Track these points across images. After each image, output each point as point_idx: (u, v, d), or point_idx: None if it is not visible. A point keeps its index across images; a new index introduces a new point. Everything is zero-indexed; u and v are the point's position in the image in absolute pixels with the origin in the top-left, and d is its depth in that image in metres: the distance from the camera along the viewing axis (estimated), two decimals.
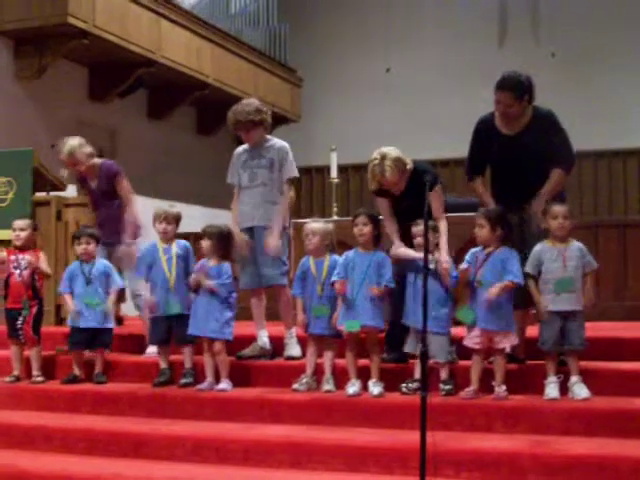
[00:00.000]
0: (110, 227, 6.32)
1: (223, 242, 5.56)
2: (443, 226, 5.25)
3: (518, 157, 5.16)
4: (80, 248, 5.98)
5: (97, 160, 6.47)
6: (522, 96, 5.13)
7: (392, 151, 5.24)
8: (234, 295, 5.58)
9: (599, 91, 13.33)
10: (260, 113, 5.79)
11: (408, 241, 5.25)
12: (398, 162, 5.19)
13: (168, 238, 5.83)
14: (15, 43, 9.50)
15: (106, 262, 6.12)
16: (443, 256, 5.11)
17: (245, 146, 5.94)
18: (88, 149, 6.39)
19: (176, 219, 5.86)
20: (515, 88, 5.11)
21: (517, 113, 5.19)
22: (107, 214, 6.43)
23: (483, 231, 5.00)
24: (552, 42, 13.79)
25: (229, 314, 5.51)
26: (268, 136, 5.93)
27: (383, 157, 5.18)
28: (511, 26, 14.25)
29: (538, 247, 4.95)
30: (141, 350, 6.22)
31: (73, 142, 6.34)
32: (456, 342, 5.16)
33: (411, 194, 5.21)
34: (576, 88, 13.21)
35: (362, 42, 14.63)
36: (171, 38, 10.78)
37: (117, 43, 9.74)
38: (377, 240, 5.29)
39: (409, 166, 5.26)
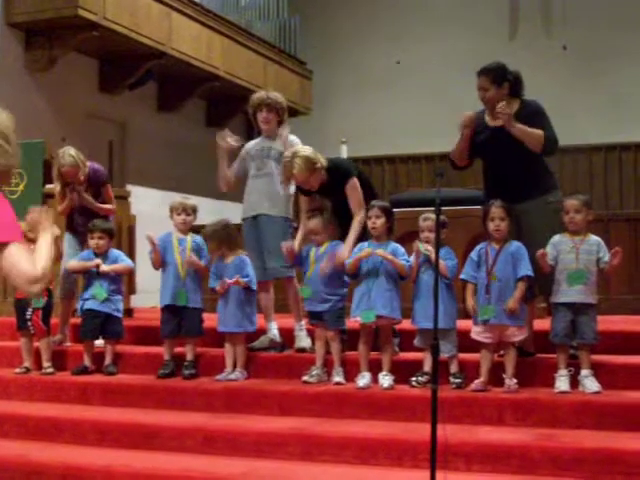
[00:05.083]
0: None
1: (222, 237, 5.59)
2: (357, 220, 5.37)
3: (504, 150, 5.14)
4: (92, 242, 6.01)
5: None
6: (499, 82, 5.17)
7: (304, 150, 5.42)
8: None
9: (610, 84, 13.22)
10: (285, 105, 6.00)
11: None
12: (307, 161, 5.34)
13: (187, 229, 5.86)
14: (26, 35, 9.49)
15: (118, 252, 6.16)
16: (344, 249, 5.24)
17: (256, 140, 6.04)
18: (82, 156, 6.26)
19: (194, 210, 5.90)
20: (490, 72, 5.20)
21: (494, 100, 5.17)
22: (85, 221, 6.27)
23: (504, 224, 4.99)
24: (563, 35, 13.71)
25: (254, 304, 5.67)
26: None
27: (294, 155, 5.36)
28: (522, 19, 14.16)
29: (556, 238, 4.95)
30: (152, 342, 6.23)
31: (72, 151, 6.17)
32: (460, 335, 5.13)
33: (333, 191, 5.44)
34: (587, 81, 13.13)
35: (373, 35, 14.57)
36: (181, 30, 10.75)
37: (127, 35, 9.72)
38: (390, 232, 5.32)
39: (319, 165, 5.40)
